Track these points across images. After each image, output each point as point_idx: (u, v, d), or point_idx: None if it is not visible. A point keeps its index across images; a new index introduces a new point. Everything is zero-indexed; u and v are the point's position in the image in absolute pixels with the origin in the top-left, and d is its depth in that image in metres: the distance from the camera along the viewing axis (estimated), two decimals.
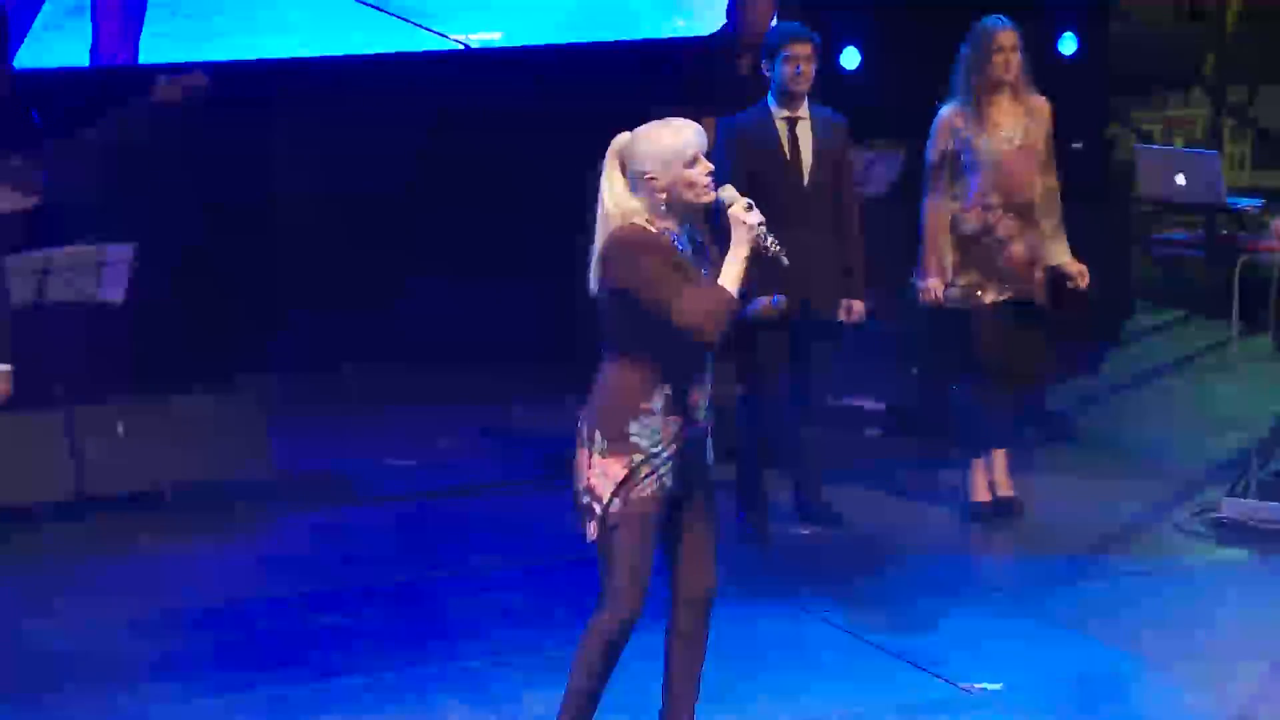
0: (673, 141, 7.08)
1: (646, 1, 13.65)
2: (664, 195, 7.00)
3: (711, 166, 7.13)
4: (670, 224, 7.09)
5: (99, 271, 10.45)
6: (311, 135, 12.53)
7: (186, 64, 12.29)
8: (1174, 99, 15.99)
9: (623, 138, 7.18)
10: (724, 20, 12.44)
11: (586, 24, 13.45)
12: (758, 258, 7.03)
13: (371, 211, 12.60)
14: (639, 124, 11.85)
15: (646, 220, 7.11)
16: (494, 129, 12.78)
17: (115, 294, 10.49)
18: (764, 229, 7.02)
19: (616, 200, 7.07)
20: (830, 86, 11.00)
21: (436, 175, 12.77)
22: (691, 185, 7.03)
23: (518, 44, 13.47)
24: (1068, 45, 13.25)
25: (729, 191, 7.05)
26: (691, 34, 13.17)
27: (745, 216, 7.02)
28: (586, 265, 7.22)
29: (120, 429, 10.57)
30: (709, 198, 7.07)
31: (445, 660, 9.00)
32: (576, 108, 12.30)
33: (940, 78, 11.57)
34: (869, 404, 11.54)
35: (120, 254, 10.53)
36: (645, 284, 6.98)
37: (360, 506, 11.09)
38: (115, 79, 11.98)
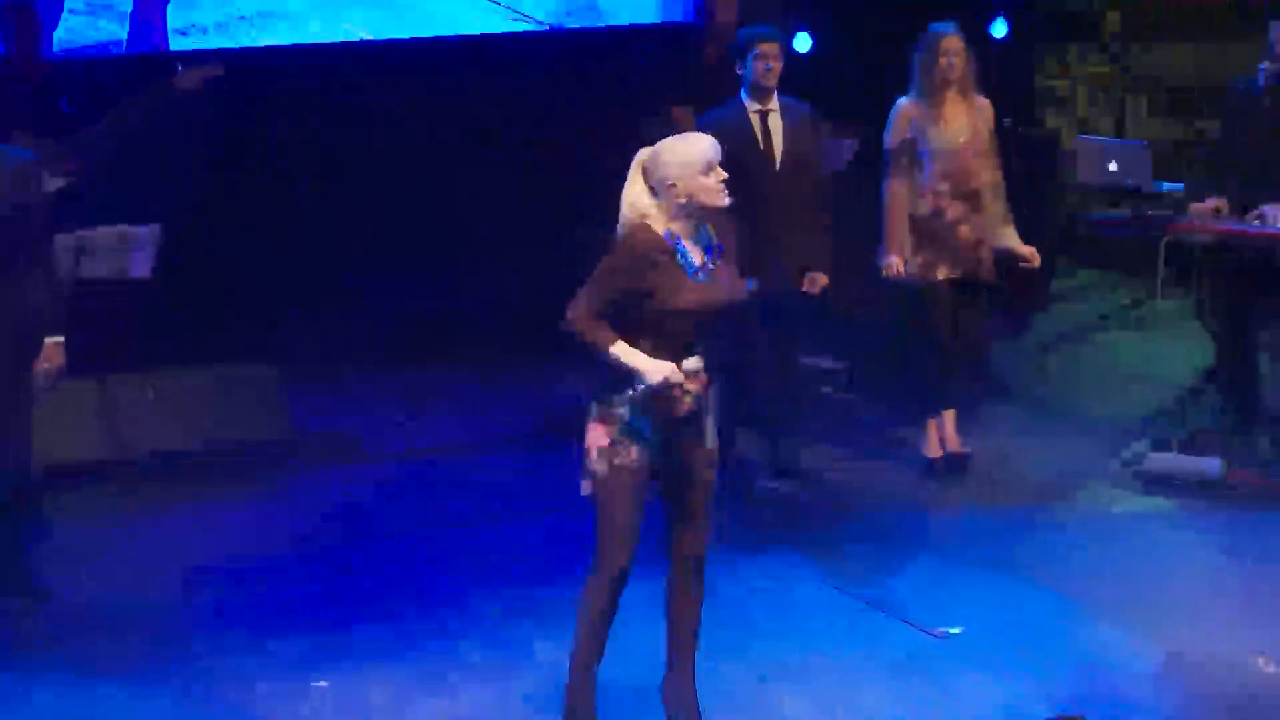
0: (691, 152, 7.33)
1: None
2: (683, 200, 7.26)
3: (725, 175, 7.34)
4: (685, 226, 7.31)
5: (128, 250, 10.43)
6: (310, 123, 12.45)
7: (201, 52, 12.13)
8: (1081, 56, 16.14)
9: (646, 151, 7.41)
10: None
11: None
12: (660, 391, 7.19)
13: (372, 191, 12.40)
14: (614, 109, 12.15)
15: (659, 221, 7.32)
16: (470, 115, 12.62)
17: (143, 271, 10.50)
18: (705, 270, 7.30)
19: (632, 203, 7.38)
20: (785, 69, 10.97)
21: (426, 160, 12.61)
22: (707, 190, 7.28)
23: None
24: (999, 29, 13.27)
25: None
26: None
27: (678, 376, 7.21)
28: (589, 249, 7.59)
29: (151, 394, 10.58)
30: (723, 201, 7.30)
31: (460, 610, 9.08)
32: (552, 94, 12.54)
33: (886, 61, 11.83)
34: (827, 363, 11.71)
35: (148, 235, 10.53)
36: (598, 274, 7.29)
37: (372, 464, 11.08)
38: (138, 66, 11.75)
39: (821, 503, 10.26)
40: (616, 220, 7.40)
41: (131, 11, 12.57)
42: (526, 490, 10.55)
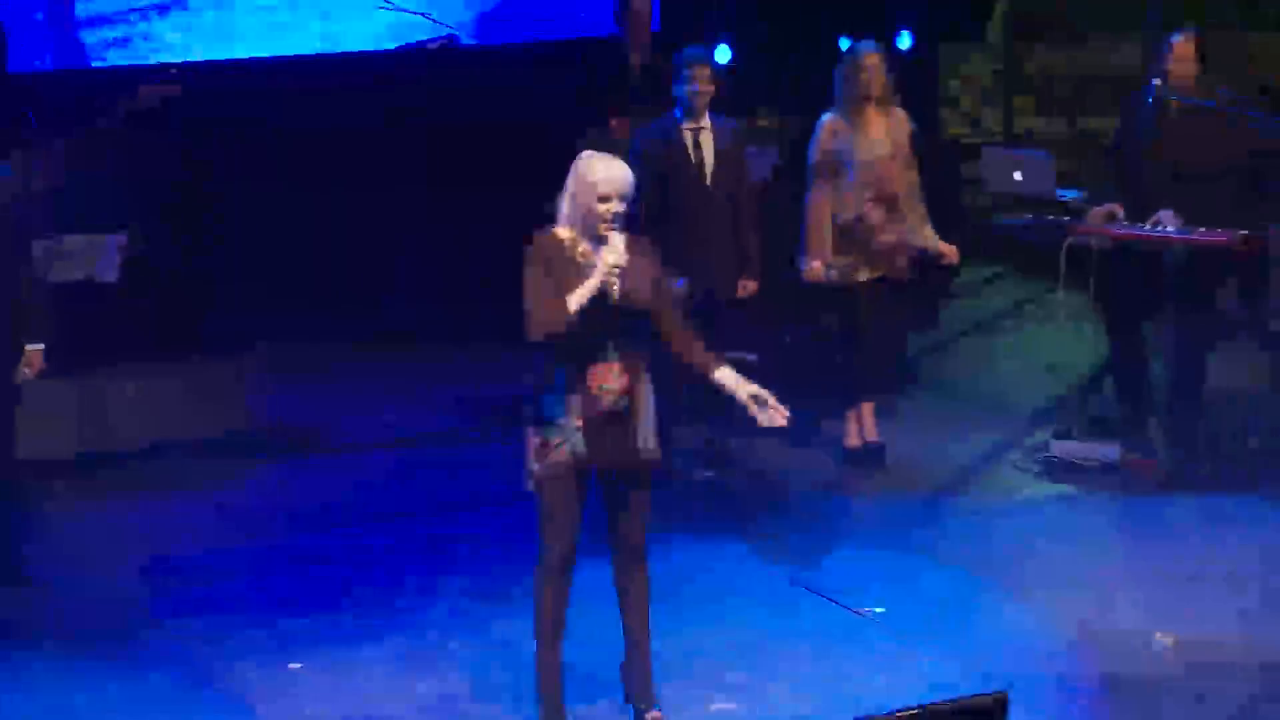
0: (596, 174, 7.42)
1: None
2: (575, 212, 7.40)
3: (619, 210, 7.39)
4: (584, 234, 7.41)
5: (96, 256, 10.47)
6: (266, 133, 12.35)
7: (158, 66, 11.88)
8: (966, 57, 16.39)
9: (581, 156, 7.54)
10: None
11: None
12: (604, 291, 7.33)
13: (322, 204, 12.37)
14: (550, 118, 12.15)
15: (564, 228, 7.46)
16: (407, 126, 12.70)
17: (109, 275, 10.50)
18: (616, 272, 7.38)
19: (558, 203, 7.52)
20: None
21: (370, 172, 12.50)
22: (595, 215, 7.36)
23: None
24: (904, 41, 13.48)
25: (615, 240, 7.40)
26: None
27: (608, 261, 7.36)
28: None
29: (130, 391, 10.65)
30: (607, 233, 7.37)
31: (426, 596, 9.16)
32: (491, 105, 12.54)
33: (799, 70, 12.05)
34: (747, 357, 11.84)
35: (114, 241, 10.55)
36: (524, 289, 7.44)
37: (335, 455, 11.09)
38: (95, 80, 11.73)
39: (752, 490, 10.39)
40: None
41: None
42: (481, 480, 10.47)
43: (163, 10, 12.57)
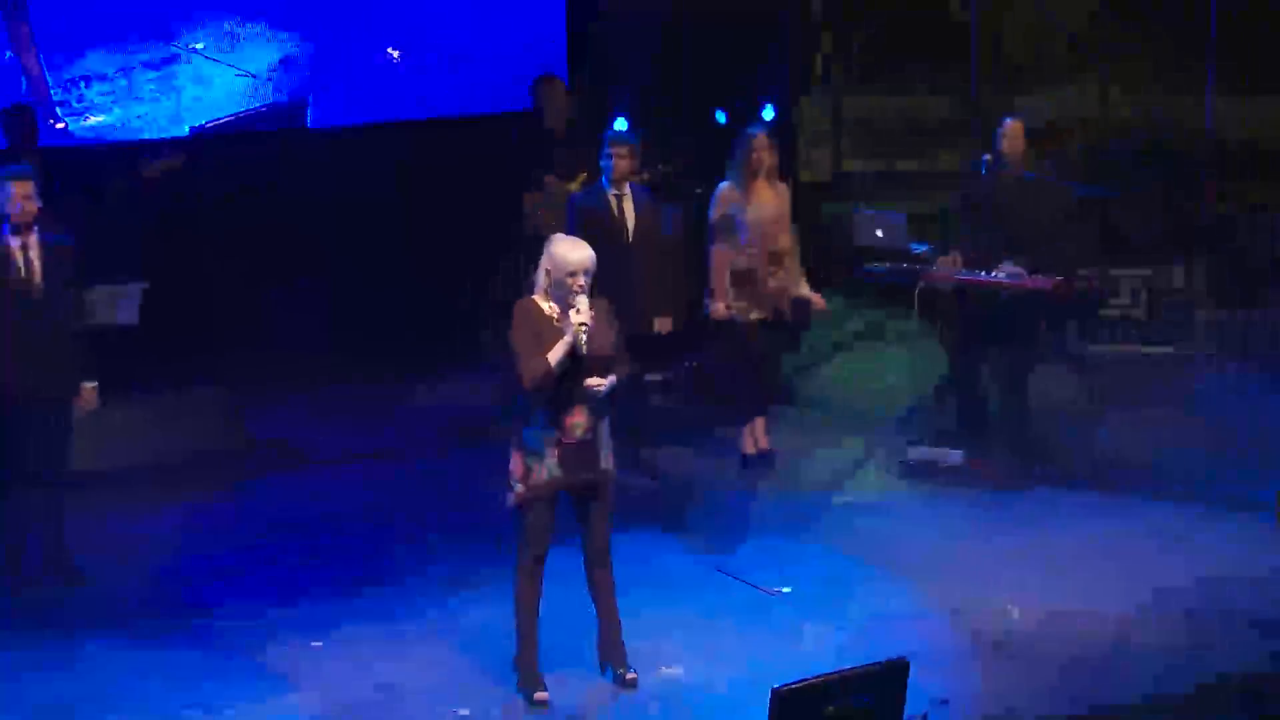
0: (566, 255, 7.71)
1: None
2: (550, 284, 7.66)
3: (585, 282, 7.60)
4: (557, 303, 7.65)
5: (118, 302, 10.46)
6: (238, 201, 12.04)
7: (165, 141, 12.09)
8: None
9: (552, 239, 7.76)
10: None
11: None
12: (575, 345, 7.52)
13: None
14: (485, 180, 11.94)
15: (542, 296, 7.71)
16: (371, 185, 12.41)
17: (130, 319, 10.48)
18: (585, 330, 7.56)
19: (535, 276, 7.74)
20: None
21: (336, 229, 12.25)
22: (565, 289, 7.60)
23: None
24: (768, 113, 13.32)
25: (582, 303, 7.59)
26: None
27: (575, 321, 7.55)
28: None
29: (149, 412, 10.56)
30: (575, 303, 7.56)
31: (404, 587, 9.22)
32: (420, 171, 12.44)
33: (679, 137, 12.28)
34: (662, 376, 11.84)
35: (135, 289, 10.55)
36: (513, 346, 7.66)
37: (319, 467, 10.97)
38: (112, 154, 11.63)
39: (671, 493, 10.37)
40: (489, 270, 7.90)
41: (9, 60, 11.95)
42: (449, 488, 10.53)
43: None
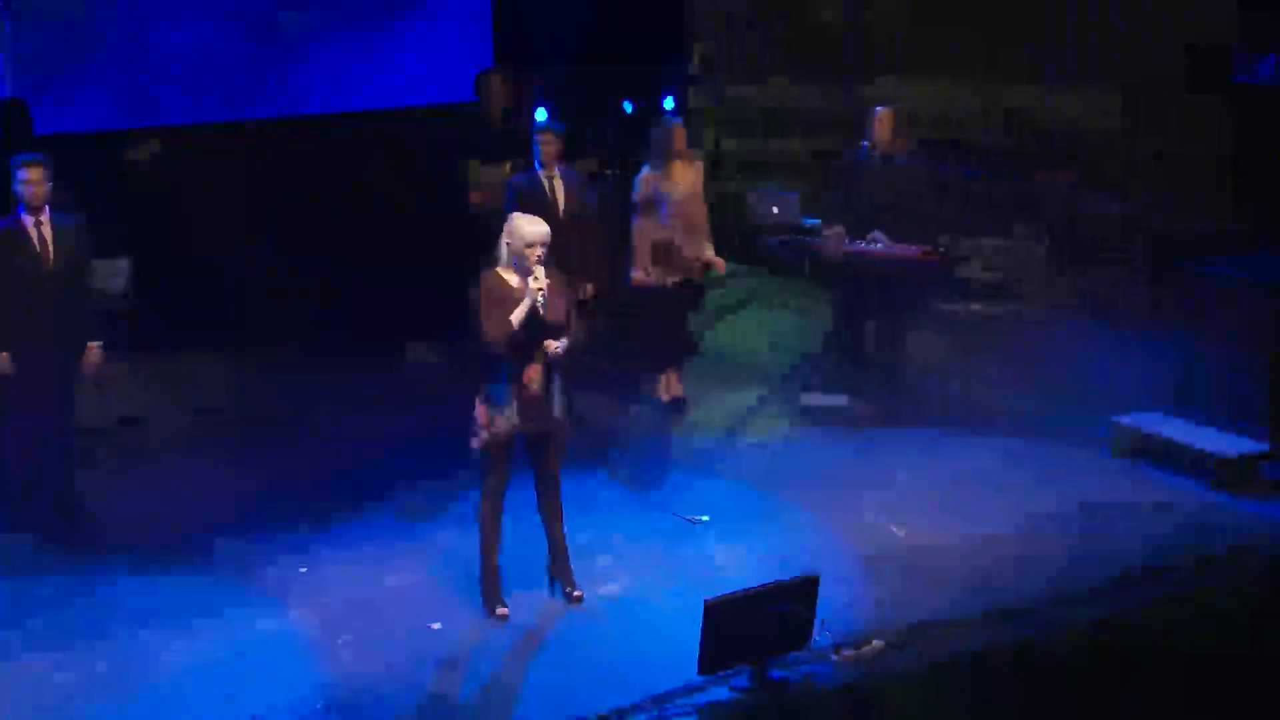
0: (524, 229, 7.85)
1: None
2: (510, 256, 7.81)
3: (541, 253, 7.72)
4: (513, 273, 7.79)
5: (110, 276, 10.46)
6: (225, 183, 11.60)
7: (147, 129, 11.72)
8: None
9: (512, 215, 7.94)
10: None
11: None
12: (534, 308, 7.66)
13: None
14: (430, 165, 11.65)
15: (504, 268, 7.83)
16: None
17: (119, 289, 10.54)
18: (542, 295, 7.67)
19: (498, 250, 7.87)
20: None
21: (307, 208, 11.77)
22: (524, 258, 7.75)
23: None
24: (669, 103, 13.09)
25: (539, 271, 7.71)
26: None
27: (533, 287, 7.68)
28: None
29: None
30: (534, 272, 7.69)
31: (378, 519, 9.21)
32: (381, 156, 12.09)
33: (594, 126, 12.12)
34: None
35: (124, 264, 10.63)
36: (476, 310, 7.79)
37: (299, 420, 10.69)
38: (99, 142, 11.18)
39: (598, 434, 10.26)
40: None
41: None
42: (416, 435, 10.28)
43: None
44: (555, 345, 7.85)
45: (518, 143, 11.21)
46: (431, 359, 11.62)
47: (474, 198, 11.41)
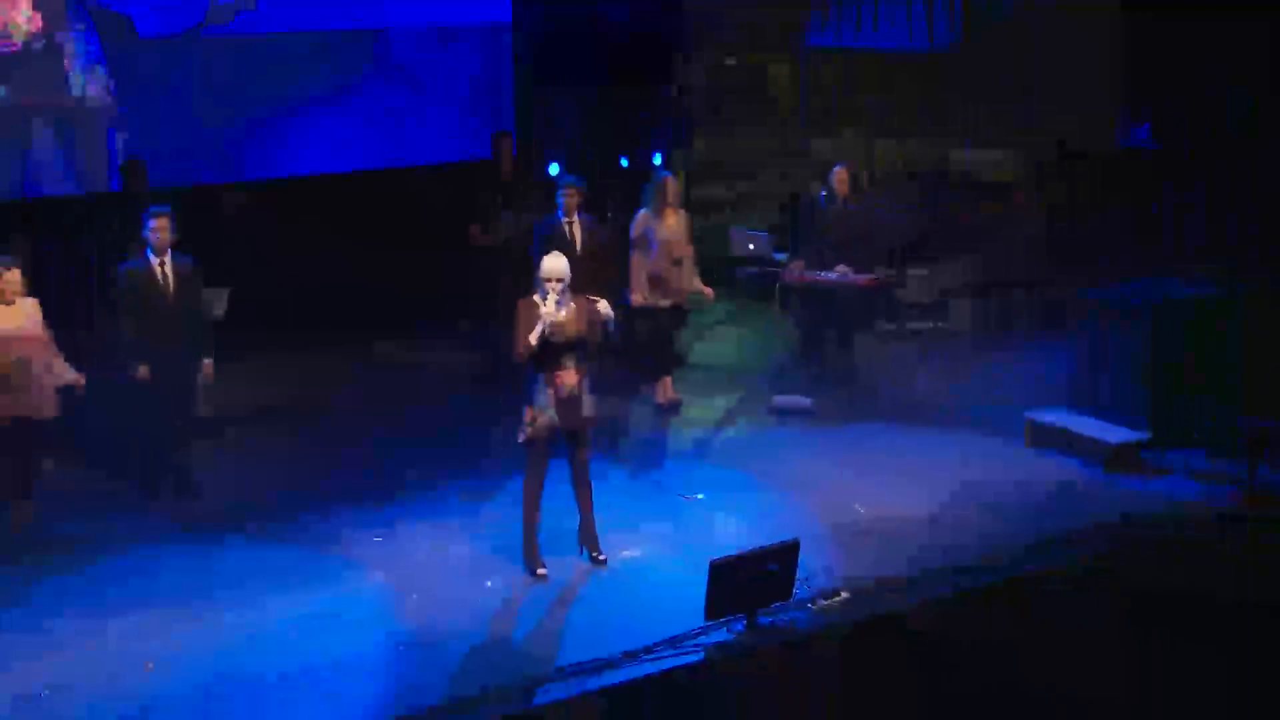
0: (546, 265, 7.99)
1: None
2: (539, 287, 7.93)
3: (560, 284, 7.84)
4: (542, 300, 7.92)
5: (214, 301, 10.15)
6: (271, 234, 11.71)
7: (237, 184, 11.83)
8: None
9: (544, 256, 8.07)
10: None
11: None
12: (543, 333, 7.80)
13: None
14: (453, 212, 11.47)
15: (537, 296, 7.94)
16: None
17: (220, 314, 10.26)
18: (546, 325, 7.83)
19: (532, 284, 8.06)
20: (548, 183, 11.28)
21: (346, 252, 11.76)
22: (547, 289, 7.91)
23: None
24: (658, 159, 13.36)
25: (550, 302, 7.85)
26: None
27: (544, 313, 7.85)
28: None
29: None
30: (550, 296, 7.87)
31: (440, 497, 9.28)
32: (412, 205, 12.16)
33: (599, 174, 11.95)
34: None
35: (223, 292, 10.33)
36: (515, 330, 7.94)
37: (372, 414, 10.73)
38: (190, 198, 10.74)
39: (611, 430, 10.16)
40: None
41: None
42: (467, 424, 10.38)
43: None
44: (567, 380, 7.94)
45: (522, 191, 11.28)
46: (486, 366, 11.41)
47: (474, 232, 11.34)
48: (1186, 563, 8.37)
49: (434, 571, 8.33)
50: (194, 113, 11.68)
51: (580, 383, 8.14)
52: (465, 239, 11.37)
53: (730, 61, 14.72)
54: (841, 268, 10.88)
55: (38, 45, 10.84)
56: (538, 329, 7.90)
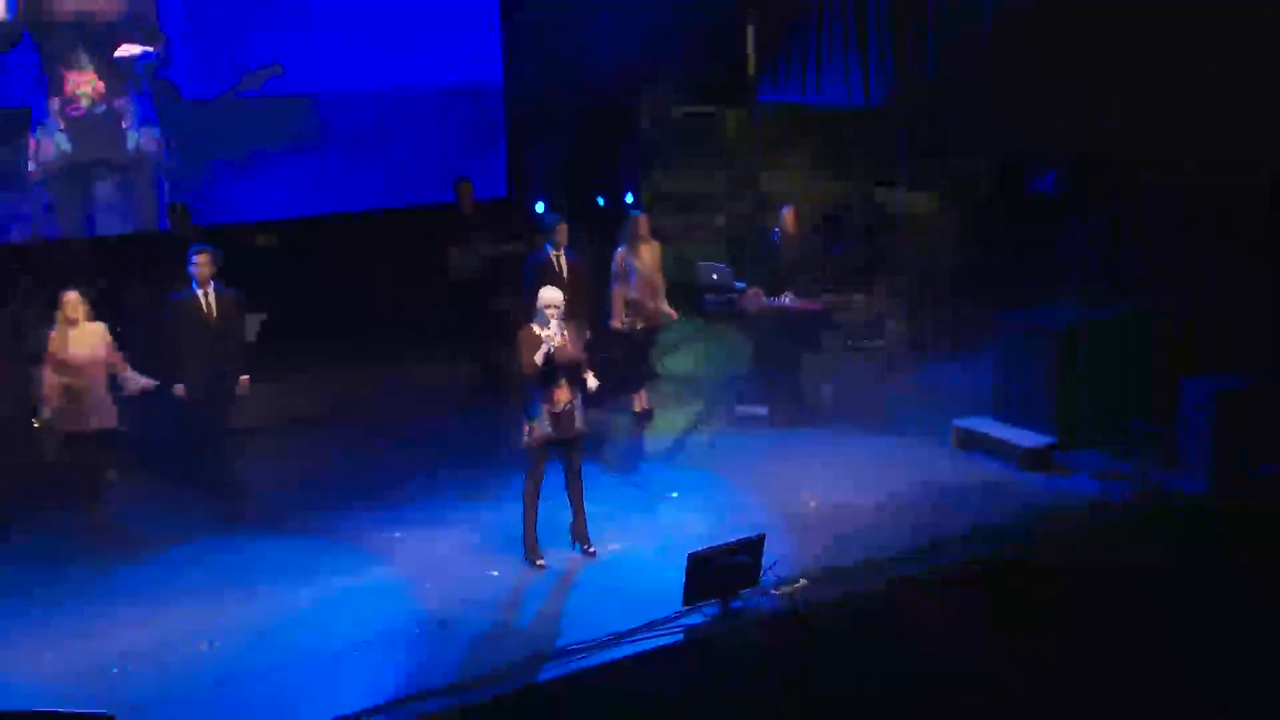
0: (544, 296, 8.02)
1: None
2: (538, 313, 7.96)
3: (556, 312, 7.85)
4: (542, 326, 7.97)
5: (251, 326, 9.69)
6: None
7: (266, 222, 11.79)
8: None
9: (542, 288, 8.09)
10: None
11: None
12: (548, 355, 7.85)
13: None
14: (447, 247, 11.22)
15: (537, 324, 7.98)
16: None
17: (252, 337, 9.67)
18: (550, 348, 7.85)
19: (529, 312, 8.07)
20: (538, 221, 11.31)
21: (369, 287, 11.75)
22: (545, 315, 7.96)
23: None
24: (629, 198, 13.30)
25: (553, 327, 7.87)
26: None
27: (547, 335, 7.90)
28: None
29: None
30: (550, 322, 7.93)
31: (448, 497, 9.20)
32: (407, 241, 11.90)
33: (577, 213, 11.60)
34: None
35: (256, 318, 9.87)
36: (519, 353, 7.94)
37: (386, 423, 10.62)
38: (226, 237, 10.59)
39: (594, 435, 9.54)
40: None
41: None
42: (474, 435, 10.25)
43: None
44: (565, 398, 7.96)
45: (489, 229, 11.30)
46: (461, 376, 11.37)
47: (455, 262, 11.34)
48: (1090, 542, 8.41)
49: (445, 563, 8.31)
50: (229, 161, 11.74)
51: (573, 398, 8.14)
52: (445, 269, 11.33)
53: (689, 111, 14.59)
54: (788, 295, 10.80)
55: (100, 109, 10.97)
56: (542, 350, 7.89)
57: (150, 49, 11.14)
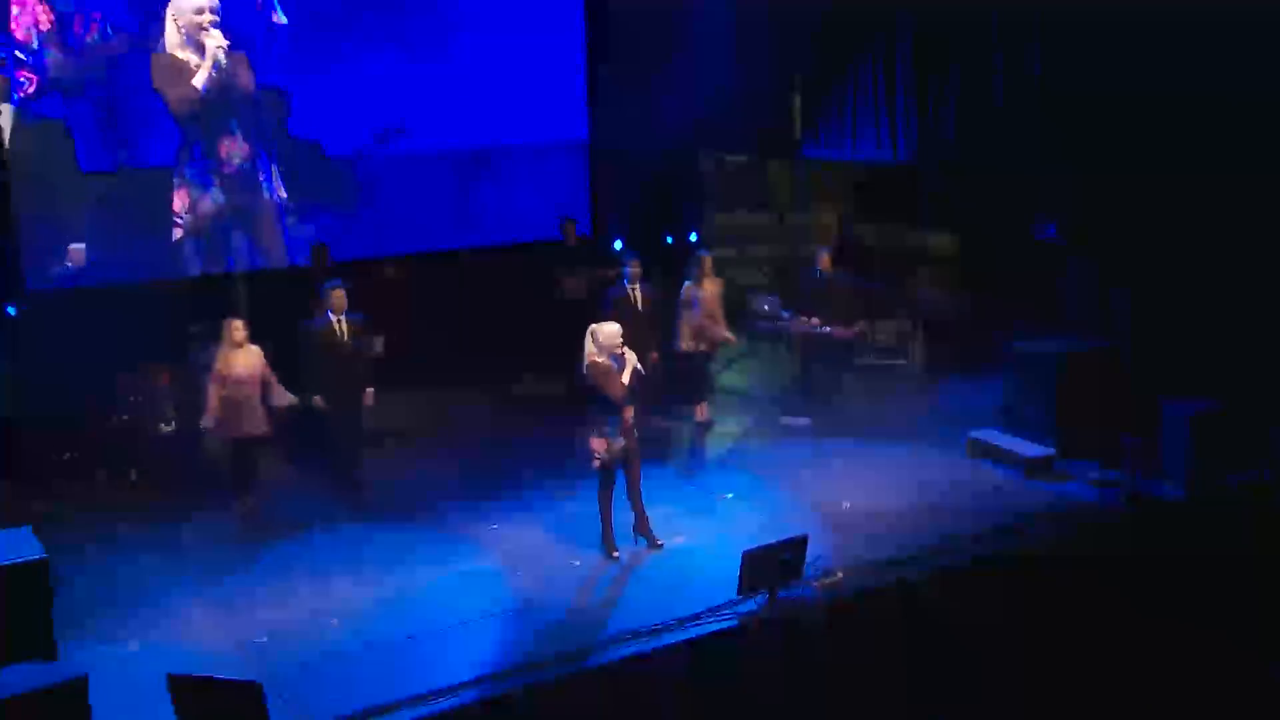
0: (604, 332, 7.83)
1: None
2: (602, 346, 7.81)
3: (619, 345, 7.64)
4: (606, 356, 7.81)
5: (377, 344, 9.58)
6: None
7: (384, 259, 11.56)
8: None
9: (593, 326, 7.82)
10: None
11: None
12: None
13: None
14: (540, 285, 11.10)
15: (598, 355, 7.81)
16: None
17: (379, 349, 9.43)
18: (634, 366, 7.72)
19: (589, 349, 7.84)
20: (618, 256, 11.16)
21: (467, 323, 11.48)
22: (608, 349, 7.78)
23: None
24: (693, 236, 12.76)
25: (630, 354, 7.73)
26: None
27: (628, 361, 7.78)
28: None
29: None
30: (625, 357, 7.76)
31: (536, 494, 9.03)
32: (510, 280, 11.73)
33: (652, 251, 11.46)
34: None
35: (379, 340, 9.56)
36: (596, 382, 7.77)
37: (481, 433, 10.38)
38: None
39: (659, 442, 9.85)
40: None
41: None
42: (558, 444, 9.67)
43: None
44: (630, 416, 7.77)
45: (586, 260, 11.17)
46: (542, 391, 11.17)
47: (568, 286, 11.23)
48: (1085, 539, 8.28)
49: (533, 553, 8.18)
50: (359, 207, 11.68)
51: (639, 418, 8.05)
52: (555, 292, 11.22)
53: (741, 162, 14.28)
54: (817, 321, 10.56)
55: (246, 165, 10.96)
56: (626, 373, 7.73)
57: (283, 114, 11.11)
